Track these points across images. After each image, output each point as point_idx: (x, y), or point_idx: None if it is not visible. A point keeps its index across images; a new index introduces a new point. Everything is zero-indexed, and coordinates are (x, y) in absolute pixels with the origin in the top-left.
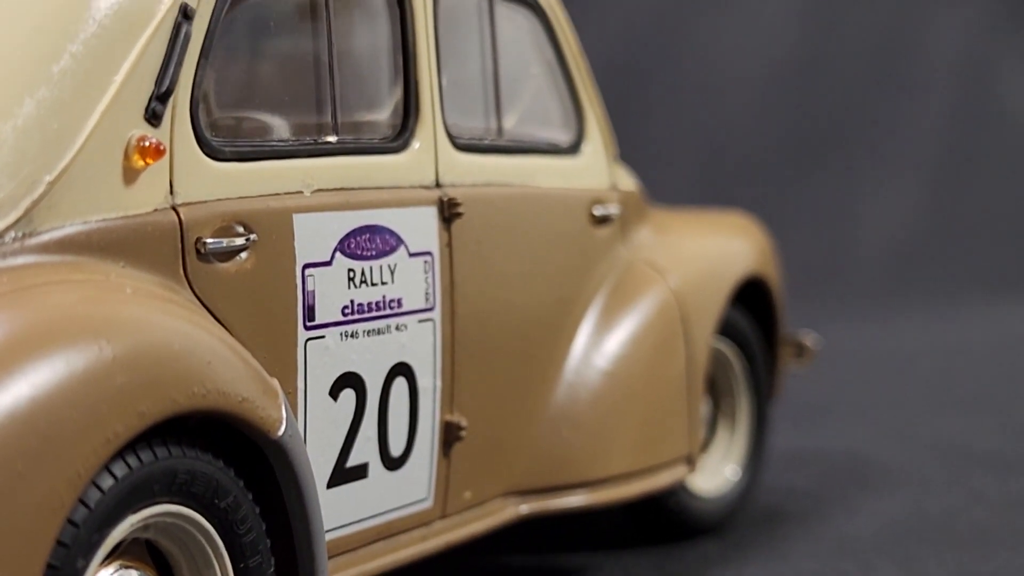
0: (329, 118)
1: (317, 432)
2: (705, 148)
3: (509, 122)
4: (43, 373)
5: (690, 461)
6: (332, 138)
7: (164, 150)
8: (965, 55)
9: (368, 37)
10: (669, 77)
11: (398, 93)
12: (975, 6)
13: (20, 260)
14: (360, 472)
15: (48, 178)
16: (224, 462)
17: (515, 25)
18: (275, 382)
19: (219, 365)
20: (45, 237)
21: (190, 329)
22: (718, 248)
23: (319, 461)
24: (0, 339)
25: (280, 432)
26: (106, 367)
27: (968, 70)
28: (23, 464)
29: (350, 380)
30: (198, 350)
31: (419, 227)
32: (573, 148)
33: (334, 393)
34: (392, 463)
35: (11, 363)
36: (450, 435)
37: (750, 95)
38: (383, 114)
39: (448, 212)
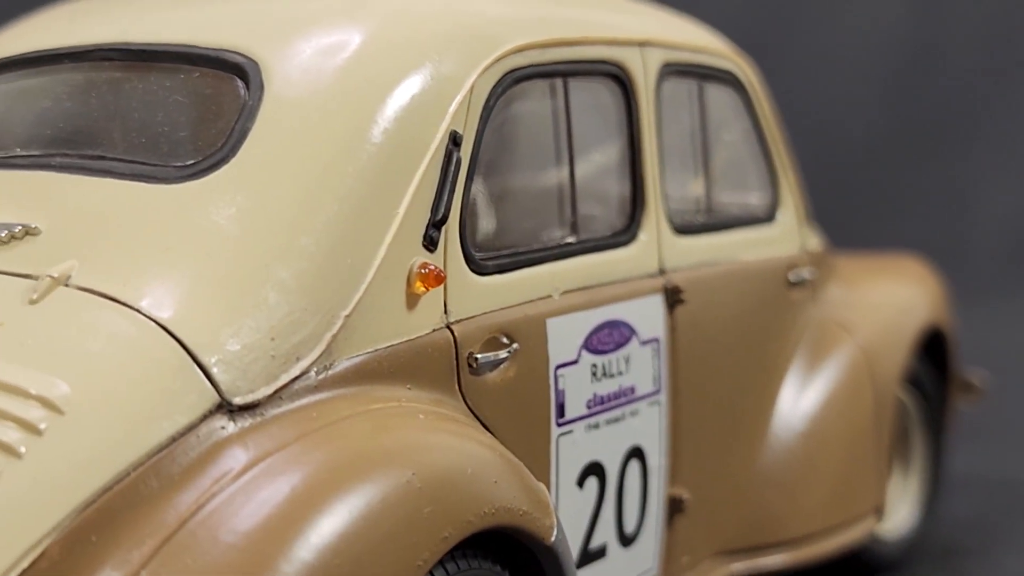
0: (569, 219)
1: (566, 520)
2: (818, 135)
3: (715, 197)
4: (360, 506)
5: (879, 511)
6: (573, 239)
7: (443, 277)
8: None
9: (600, 134)
10: (781, 63)
11: (626, 186)
12: None
13: (324, 394)
14: (601, 553)
15: (344, 312)
16: (501, 566)
17: (719, 101)
18: (544, 489)
19: (503, 483)
20: (341, 368)
21: (477, 449)
22: (898, 300)
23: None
24: (319, 474)
25: (553, 538)
26: (415, 498)
27: None
28: None
29: (594, 468)
30: (486, 470)
31: (648, 316)
32: (769, 216)
33: (580, 482)
34: (626, 540)
35: (331, 497)
36: (674, 508)
37: (863, 82)
38: (612, 208)
39: (672, 299)
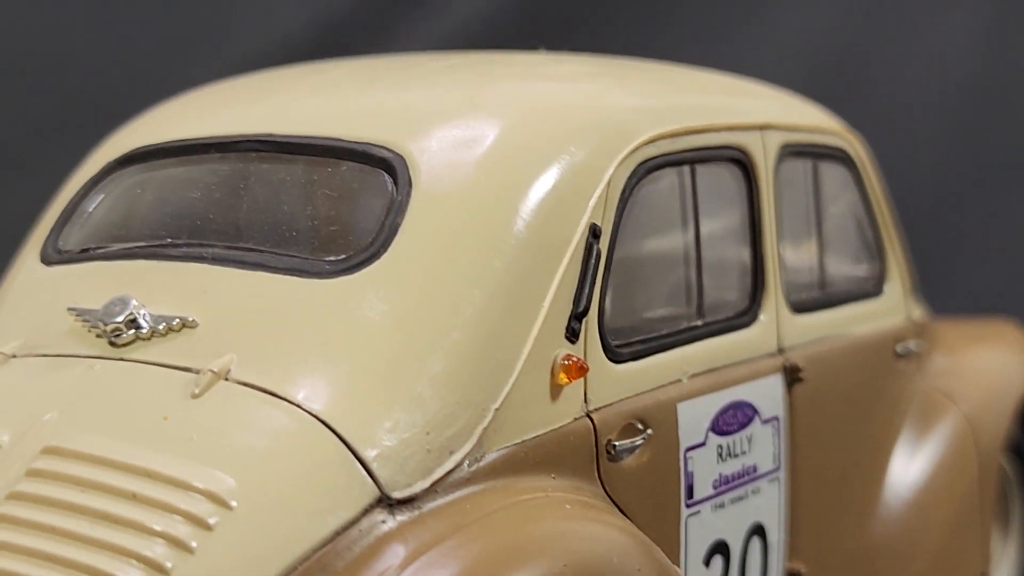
0: (695, 302)
1: None
2: (890, 174)
3: (828, 273)
4: None
5: None
6: (699, 322)
7: (587, 368)
8: None
9: (722, 217)
10: (853, 103)
11: (747, 268)
12: None
13: (476, 487)
14: None
15: (495, 406)
16: None
17: (831, 178)
18: (678, 572)
19: (645, 570)
20: (490, 460)
21: (620, 537)
22: (1000, 368)
23: None
24: (477, 568)
25: None
26: None
27: None
28: None
29: (720, 547)
30: (630, 558)
31: (769, 395)
32: (877, 289)
33: (707, 561)
34: None
35: None
36: None
37: (935, 121)
38: (733, 290)
39: (791, 378)
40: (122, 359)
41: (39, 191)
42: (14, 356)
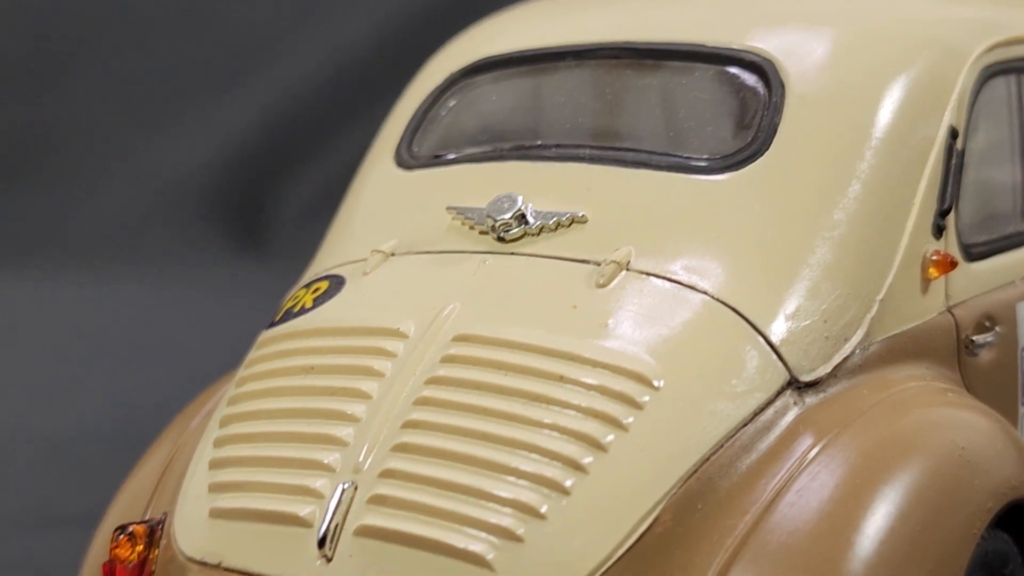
0: (1020, 208)
1: None
2: None
3: None
4: (927, 474)
5: None
6: (1022, 227)
7: (956, 263)
8: None
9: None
10: None
11: None
12: None
13: (867, 374)
14: None
15: (879, 297)
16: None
17: None
18: None
19: (1020, 459)
20: (875, 349)
21: (997, 427)
22: None
23: None
24: (890, 449)
25: None
26: (967, 470)
27: None
28: None
29: None
30: (1009, 447)
31: None
32: None
33: None
34: None
35: (903, 470)
36: None
37: None
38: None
39: None
40: (513, 253)
41: (185, 140)
42: (393, 254)
